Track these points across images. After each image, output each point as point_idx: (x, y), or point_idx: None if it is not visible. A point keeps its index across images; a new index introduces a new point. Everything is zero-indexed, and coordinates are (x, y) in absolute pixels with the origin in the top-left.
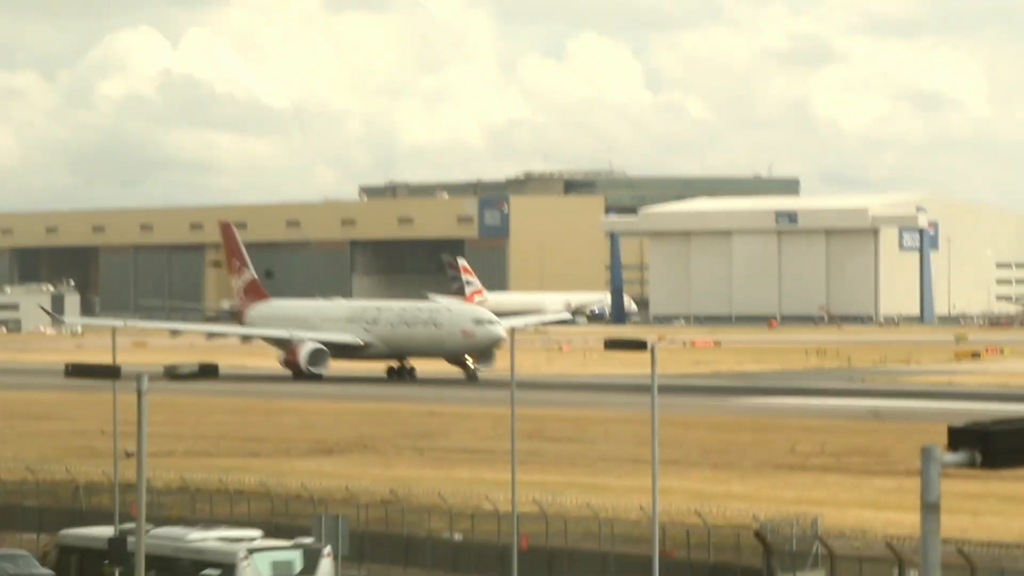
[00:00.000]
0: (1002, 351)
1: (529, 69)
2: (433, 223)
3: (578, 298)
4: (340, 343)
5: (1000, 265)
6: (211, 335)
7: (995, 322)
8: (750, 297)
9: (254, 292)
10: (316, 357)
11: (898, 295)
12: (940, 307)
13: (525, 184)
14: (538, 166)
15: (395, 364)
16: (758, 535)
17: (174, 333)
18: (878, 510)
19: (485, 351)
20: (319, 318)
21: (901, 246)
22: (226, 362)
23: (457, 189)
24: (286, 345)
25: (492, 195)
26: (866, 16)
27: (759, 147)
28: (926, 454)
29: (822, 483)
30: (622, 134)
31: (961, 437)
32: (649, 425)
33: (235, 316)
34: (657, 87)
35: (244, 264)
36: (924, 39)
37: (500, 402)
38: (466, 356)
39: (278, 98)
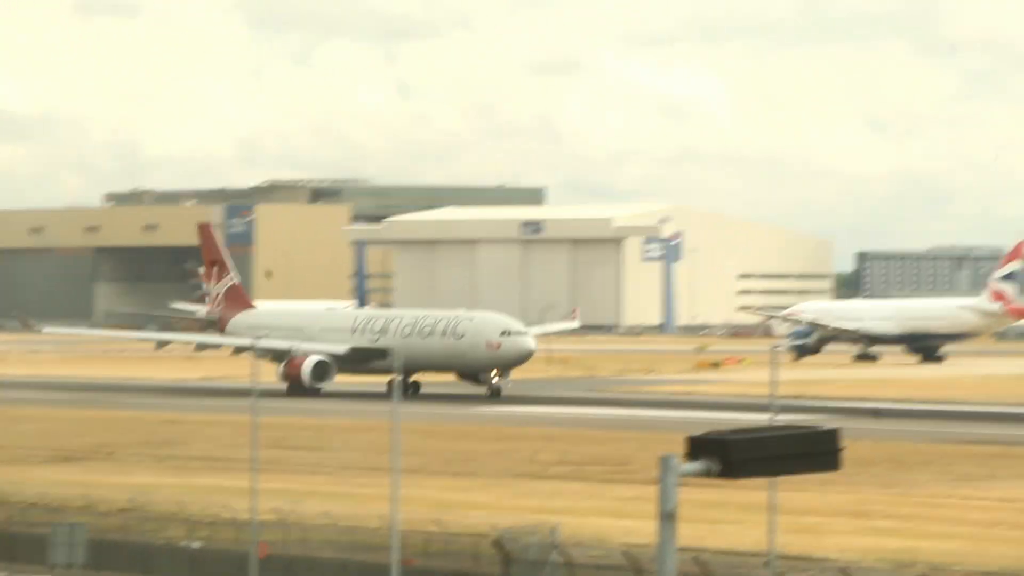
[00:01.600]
0: (742, 361)
1: (278, 77)
2: (178, 230)
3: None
4: (340, 354)
5: (743, 276)
6: (201, 346)
7: (736, 332)
8: (495, 306)
9: (236, 299)
10: (321, 370)
11: (642, 305)
12: (683, 317)
13: (271, 192)
14: (286, 174)
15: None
16: (497, 544)
17: (160, 345)
18: (617, 519)
19: (512, 365)
20: (317, 328)
21: (644, 256)
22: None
23: (204, 197)
24: (285, 357)
25: (238, 203)
26: (613, 28)
27: (507, 157)
28: (664, 463)
29: (562, 492)
30: (371, 142)
31: (699, 447)
32: (390, 434)
33: (213, 325)
34: (407, 96)
35: (225, 268)
36: (671, 51)
37: (240, 410)
38: (491, 371)
39: (24, 103)
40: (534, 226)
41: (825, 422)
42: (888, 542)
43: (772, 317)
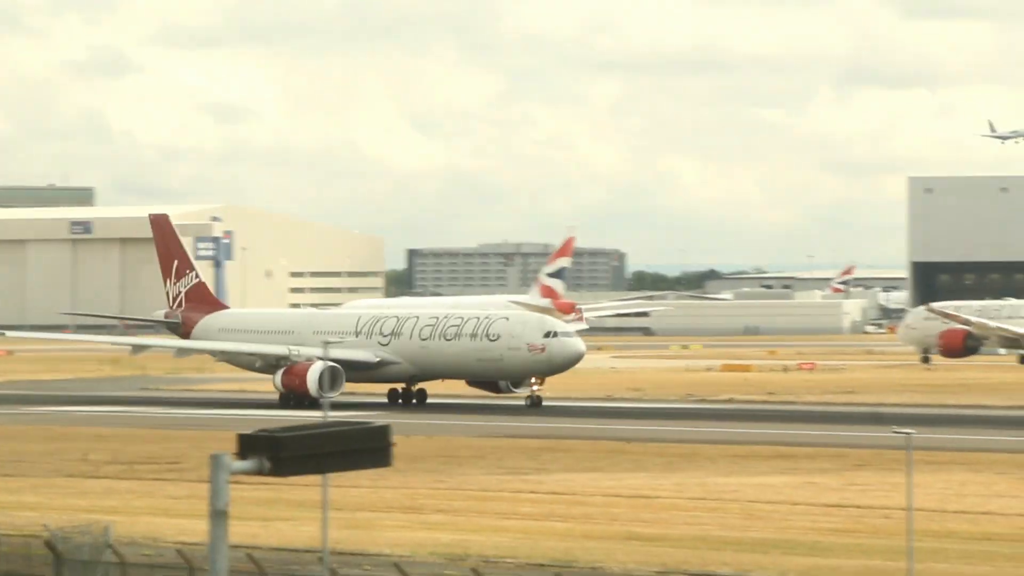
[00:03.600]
0: None
1: None
2: None
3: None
4: (348, 361)
5: (294, 274)
6: (181, 351)
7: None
8: (45, 307)
9: (202, 299)
10: (331, 378)
11: None
12: None
13: None
14: None
15: (399, 386)
16: (48, 544)
17: (137, 349)
18: (170, 517)
19: (558, 371)
20: (310, 330)
21: (197, 255)
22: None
23: None
24: (282, 365)
25: None
26: (161, 27)
27: (55, 157)
28: (215, 461)
29: (115, 491)
30: None
31: (251, 444)
32: None
33: (172, 329)
34: None
35: (187, 264)
36: (220, 50)
37: None
38: (531, 377)
39: None
40: (83, 226)
41: (381, 419)
42: (440, 536)
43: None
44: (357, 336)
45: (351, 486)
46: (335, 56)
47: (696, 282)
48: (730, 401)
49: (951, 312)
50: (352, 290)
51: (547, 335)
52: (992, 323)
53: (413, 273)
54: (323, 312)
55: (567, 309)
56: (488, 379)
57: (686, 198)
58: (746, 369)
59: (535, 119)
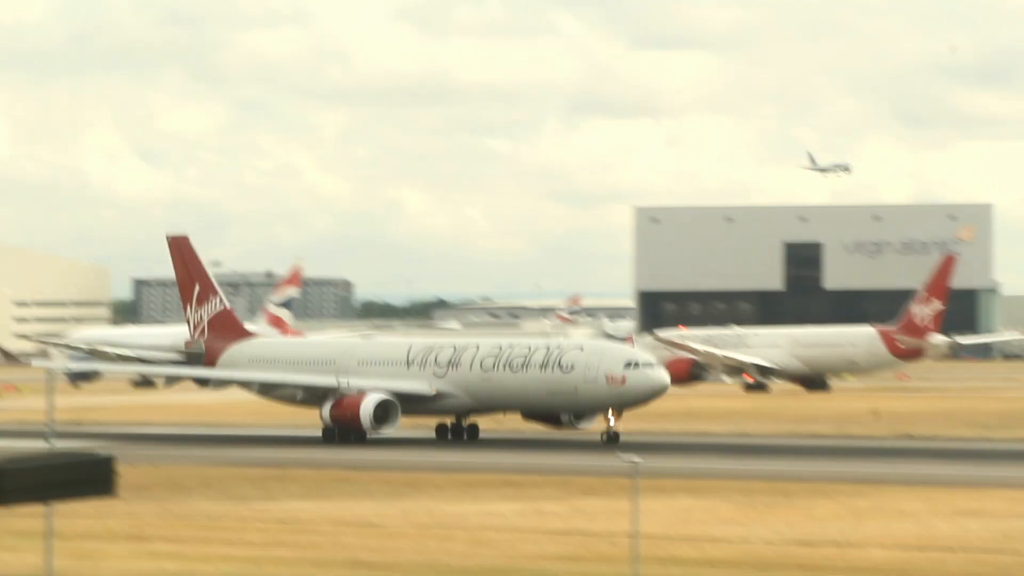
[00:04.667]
0: (18, 389)
1: None
2: None
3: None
4: (402, 393)
5: (19, 304)
6: (219, 382)
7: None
8: None
9: (227, 327)
10: (384, 412)
11: None
12: None
13: None
14: None
15: (449, 420)
16: None
17: (170, 381)
18: None
19: (640, 403)
20: (352, 360)
21: None
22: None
23: None
24: (330, 397)
25: None
26: None
27: None
28: None
29: None
30: None
31: None
32: None
33: (193, 360)
34: None
35: (210, 289)
36: None
37: None
38: (609, 411)
39: None
40: None
41: (104, 448)
42: (167, 565)
43: (50, 344)
44: (409, 367)
45: (75, 516)
46: (62, 86)
47: (424, 311)
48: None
49: (677, 341)
50: (78, 320)
51: (628, 365)
52: (718, 352)
53: (140, 303)
54: (368, 341)
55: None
56: (558, 412)
57: (414, 228)
58: None
59: (263, 149)
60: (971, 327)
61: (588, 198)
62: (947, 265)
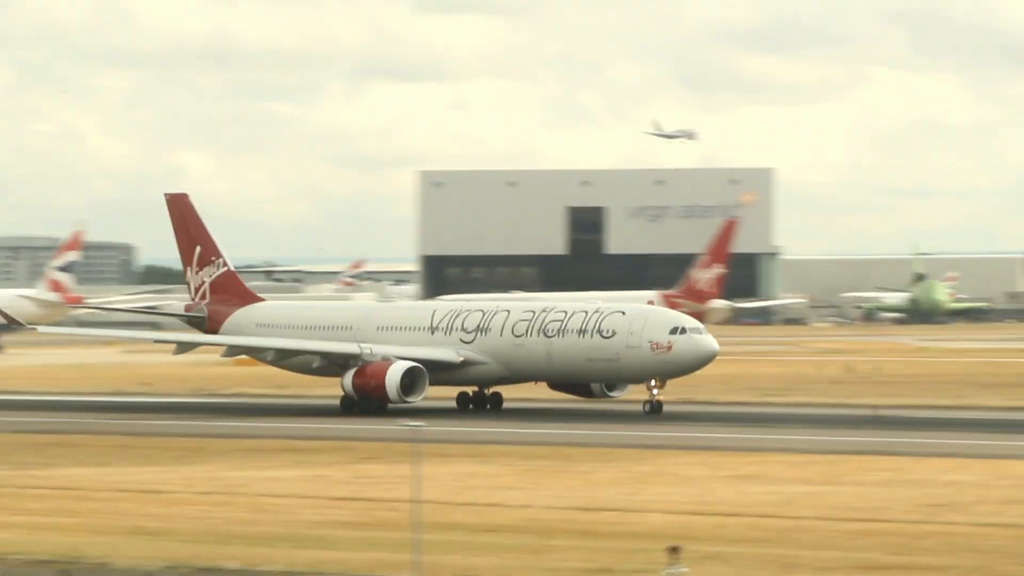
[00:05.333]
0: None
1: None
2: None
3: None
4: (428, 361)
5: None
6: (232, 348)
7: None
8: None
9: (231, 290)
10: (411, 380)
11: None
12: None
13: None
14: None
15: (471, 389)
16: None
17: (182, 347)
18: None
19: (687, 372)
20: (371, 325)
21: None
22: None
23: None
24: (352, 365)
25: None
26: None
27: None
28: None
29: None
30: None
31: None
32: None
33: (195, 324)
34: None
35: (212, 250)
36: None
37: None
38: (653, 381)
39: None
40: None
41: None
42: None
43: None
44: (433, 333)
45: None
46: None
47: None
48: (239, 395)
49: None
50: None
51: (674, 331)
52: None
53: None
54: (388, 305)
55: (76, 302)
56: (599, 381)
57: (197, 192)
58: (254, 363)
59: (44, 112)
60: (752, 291)
61: (373, 162)
62: (728, 229)
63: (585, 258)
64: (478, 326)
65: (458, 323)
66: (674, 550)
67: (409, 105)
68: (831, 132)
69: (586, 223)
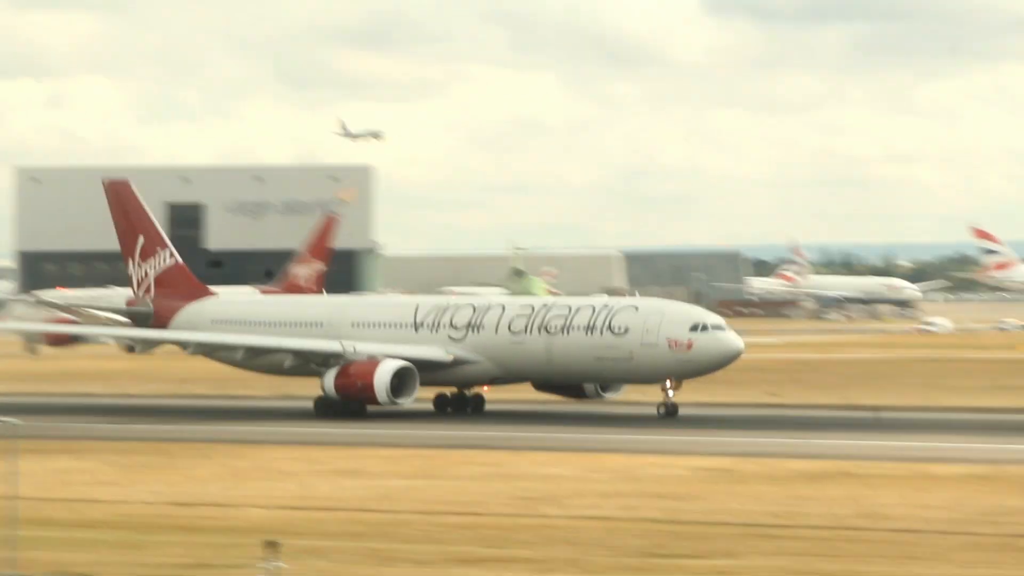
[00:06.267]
0: None
1: None
2: None
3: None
4: (415, 360)
5: None
6: (200, 346)
7: None
8: None
9: (179, 284)
10: (402, 380)
11: None
12: None
13: None
14: None
15: (449, 391)
16: None
17: (145, 346)
18: None
19: (708, 371)
20: (345, 321)
21: None
22: None
23: None
24: (332, 364)
25: None
26: None
27: None
28: None
29: None
30: None
31: None
32: None
33: (139, 320)
34: None
35: (157, 240)
36: None
37: None
38: (667, 381)
39: None
40: None
41: None
42: None
43: None
44: (417, 330)
45: None
46: None
47: None
48: None
49: (57, 301)
50: None
51: (695, 328)
52: (101, 313)
53: None
54: (363, 300)
55: None
56: (608, 381)
57: None
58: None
59: None
60: (352, 287)
61: None
62: (328, 226)
63: (183, 254)
64: (469, 322)
65: (445, 319)
66: (272, 545)
67: (4, 101)
68: (431, 129)
69: (185, 219)
